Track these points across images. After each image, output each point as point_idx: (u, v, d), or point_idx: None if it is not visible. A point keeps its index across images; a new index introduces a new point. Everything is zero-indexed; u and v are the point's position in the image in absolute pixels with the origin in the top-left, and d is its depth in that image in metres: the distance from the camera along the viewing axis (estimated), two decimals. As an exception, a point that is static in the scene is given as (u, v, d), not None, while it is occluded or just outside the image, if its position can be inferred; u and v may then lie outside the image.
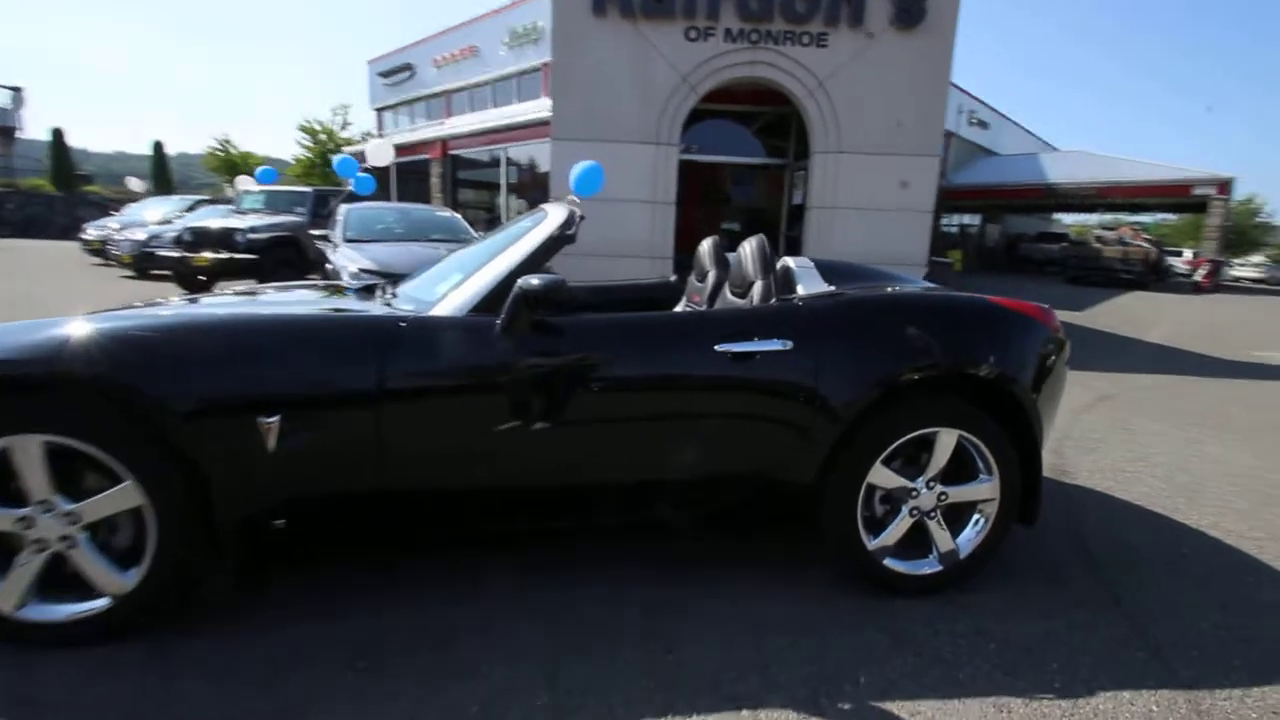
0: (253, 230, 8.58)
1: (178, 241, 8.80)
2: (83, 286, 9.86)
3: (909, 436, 2.13)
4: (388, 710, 1.64)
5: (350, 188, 8.59)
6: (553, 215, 2.22)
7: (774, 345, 2.05)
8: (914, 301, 2.29)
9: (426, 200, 18.13)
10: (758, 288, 2.33)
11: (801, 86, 8.31)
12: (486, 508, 2.09)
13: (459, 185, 19.89)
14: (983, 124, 26.84)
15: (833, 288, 2.33)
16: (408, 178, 20.53)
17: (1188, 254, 25.72)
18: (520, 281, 1.91)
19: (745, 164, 11.04)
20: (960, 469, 2.24)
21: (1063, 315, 2.65)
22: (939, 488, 2.21)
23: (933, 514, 2.22)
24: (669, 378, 2.07)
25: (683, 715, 1.67)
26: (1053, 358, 2.38)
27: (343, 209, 7.45)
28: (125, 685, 1.69)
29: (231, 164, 27.90)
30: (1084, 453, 3.99)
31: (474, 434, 1.95)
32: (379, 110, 26.38)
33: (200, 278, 8.53)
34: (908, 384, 2.11)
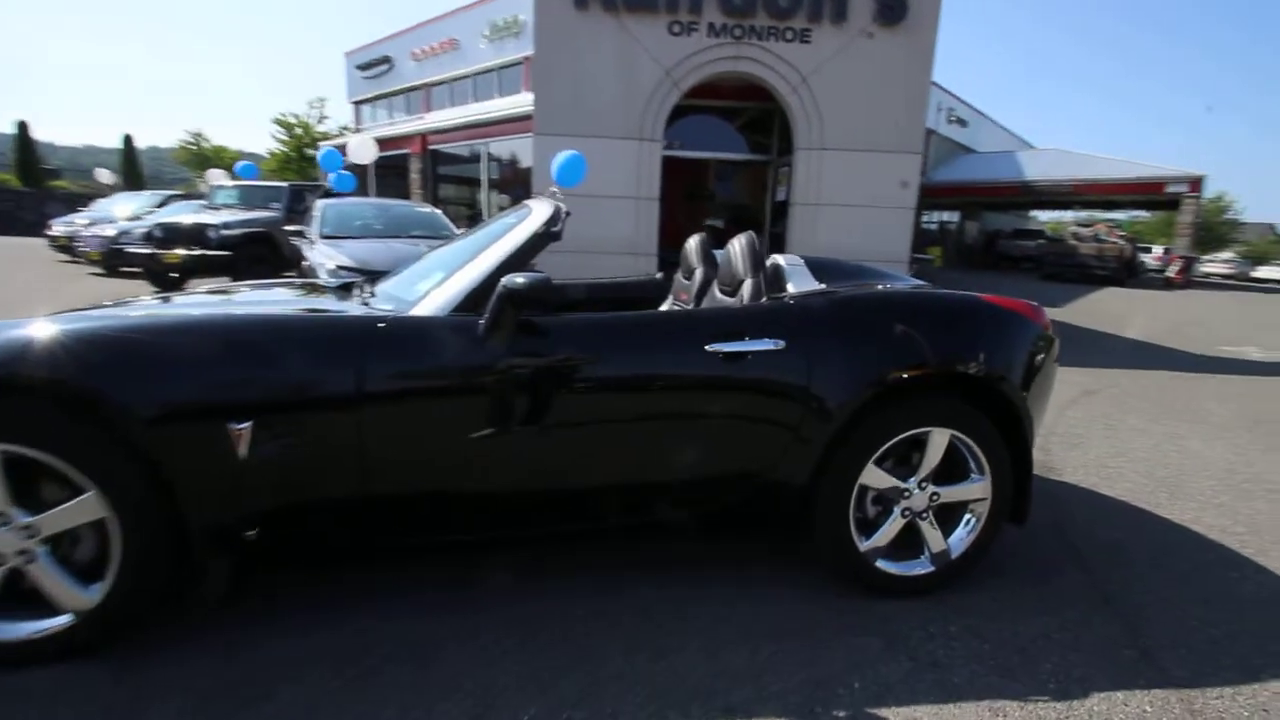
0: (226, 226, 8.38)
1: (148, 238, 8.56)
2: (48, 285, 9.57)
3: (902, 436, 2.10)
4: (370, 727, 1.58)
5: (328, 183, 8.42)
6: (537, 211, 2.15)
7: (766, 345, 2.00)
8: (907, 300, 2.26)
9: (406, 196, 17.88)
10: (748, 286, 2.29)
11: (785, 83, 8.29)
12: (471, 515, 2.02)
13: (439, 181, 19.65)
14: (961, 122, 27.13)
15: (823, 285, 2.30)
16: (387, 173, 20.23)
17: (1157, 250, 26.24)
18: (504, 280, 1.85)
19: (729, 160, 11.01)
20: (952, 469, 2.22)
21: (1045, 312, 2.64)
22: (931, 488, 2.18)
23: (925, 514, 2.20)
24: (659, 379, 2.02)
25: (675, 726, 1.62)
26: (1043, 356, 2.37)
27: (319, 204, 7.29)
28: (89, 710, 1.60)
29: (204, 158, 27.35)
30: (1069, 448, 4.01)
31: (457, 439, 1.88)
32: (356, 104, 25.98)
33: (172, 275, 8.32)
34: (901, 383, 2.07)
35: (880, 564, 2.18)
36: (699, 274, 2.78)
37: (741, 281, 2.33)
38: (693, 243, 2.90)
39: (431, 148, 18.99)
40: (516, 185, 15.96)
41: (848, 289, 2.28)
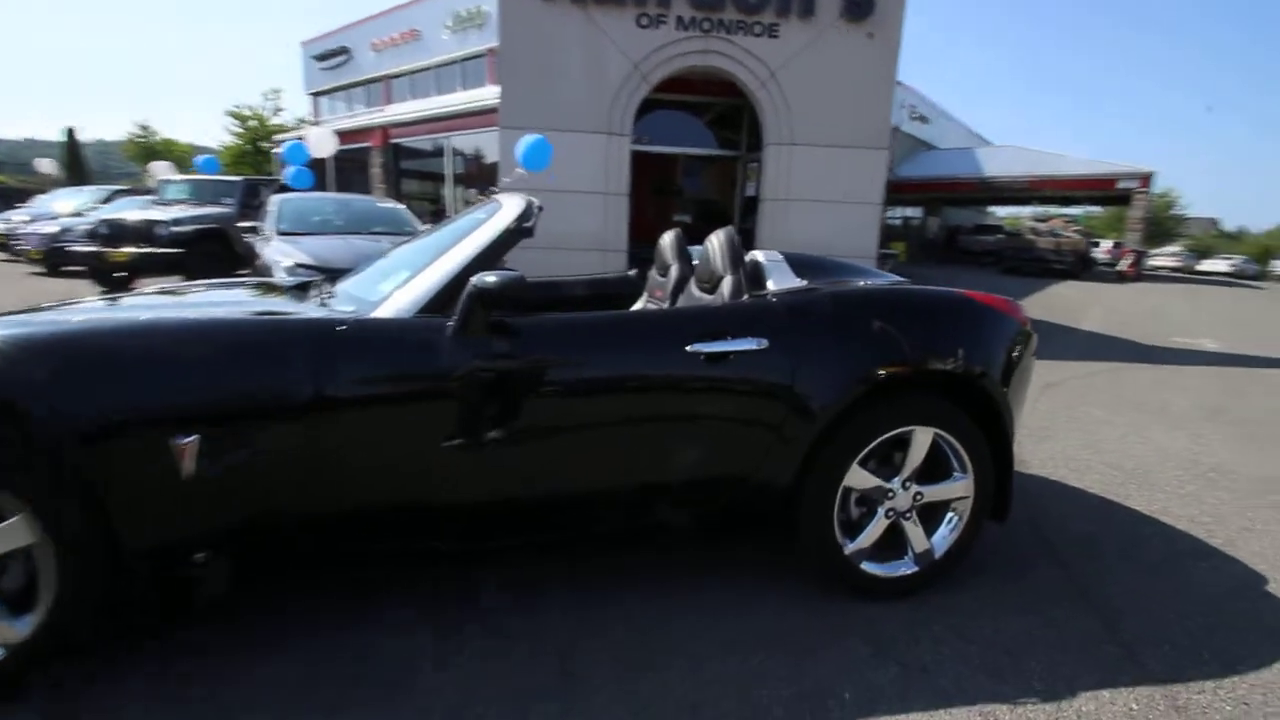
0: (176, 223, 8.01)
1: (92, 235, 8.14)
2: (-16, 284, 9.05)
3: (887, 436, 2.06)
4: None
5: (284, 179, 8.12)
6: (508, 206, 2.05)
7: (749, 344, 1.94)
8: (891, 297, 2.22)
9: (367, 191, 17.44)
10: (727, 283, 2.22)
11: (754, 77, 8.27)
12: (441, 528, 1.92)
13: (402, 175, 19.23)
14: (923, 119, 27.60)
15: (804, 282, 2.24)
16: (347, 167, 19.71)
17: (1106, 244, 27.16)
18: (474, 279, 1.74)
19: (698, 155, 10.98)
20: (934, 467, 2.19)
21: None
22: (915, 487, 2.15)
23: (908, 514, 2.16)
24: (638, 381, 1.93)
25: (662, 746, 1.55)
26: (1021, 351, 2.36)
27: (274, 199, 7.01)
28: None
29: (152, 151, 26.28)
30: (1037, 441, 4.06)
31: (426, 450, 1.77)
32: (314, 95, 25.28)
33: (118, 275, 7.93)
34: (887, 381, 2.03)
35: (865, 566, 2.14)
36: (674, 271, 2.70)
37: (721, 279, 2.25)
38: (668, 239, 2.83)
39: (393, 141, 18.57)
40: (482, 180, 15.70)
41: (831, 286, 2.23)
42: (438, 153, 17.57)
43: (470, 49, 18.40)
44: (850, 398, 2.00)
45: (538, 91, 7.97)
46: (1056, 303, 13.35)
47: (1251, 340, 9.62)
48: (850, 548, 2.12)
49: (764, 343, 1.95)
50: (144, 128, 28.99)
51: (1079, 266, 21.07)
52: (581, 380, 1.88)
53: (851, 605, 2.15)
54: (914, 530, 2.18)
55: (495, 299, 1.72)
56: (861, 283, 2.40)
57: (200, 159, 11.25)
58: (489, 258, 1.91)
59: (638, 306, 2.99)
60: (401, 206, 7.83)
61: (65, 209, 11.43)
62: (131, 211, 8.68)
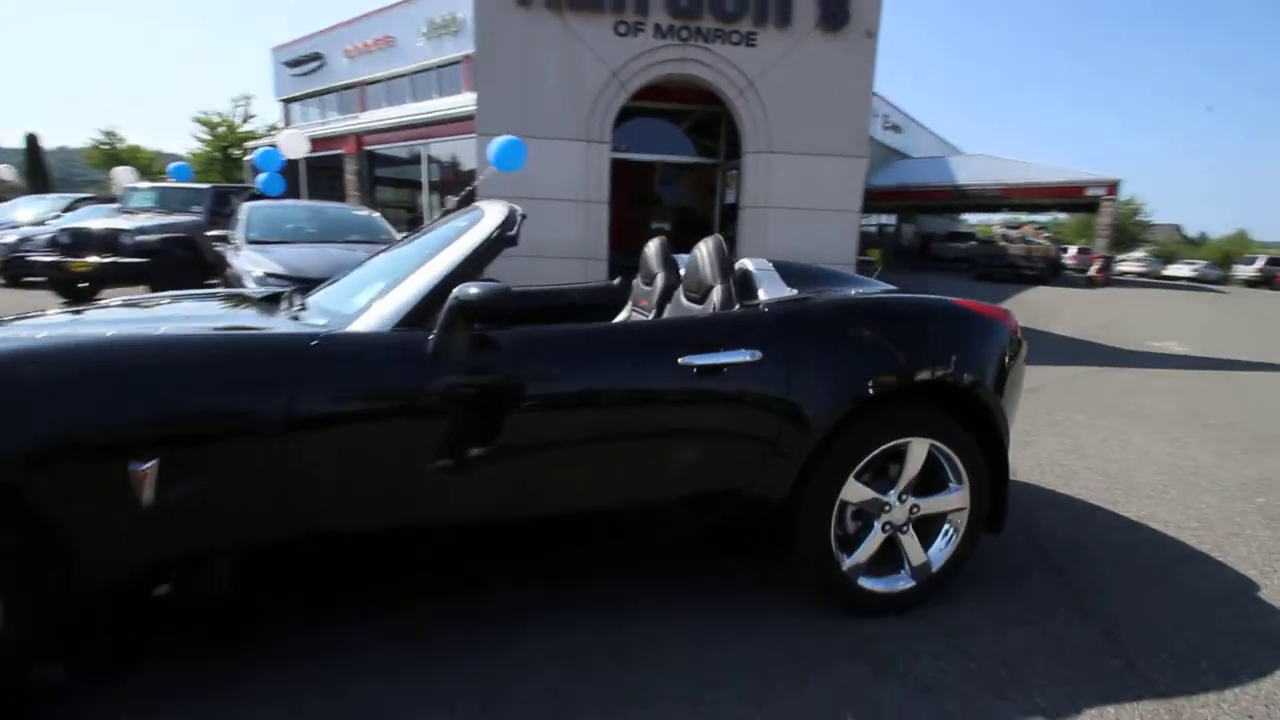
0: (142, 231, 7.77)
1: (53, 244, 7.86)
2: (-63, 296, 8.68)
3: (884, 448, 2.01)
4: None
5: (256, 184, 7.92)
6: (490, 214, 1.96)
7: (742, 356, 1.87)
8: (885, 306, 2.18)
9: (341, 199, 17.16)
10: (717, 292, 2.15)
11: (732, 86, 8.28)
12: (423, 552, 1.82)
13: (377, 183, 18.97)
14: (896, 128, 28.01)
15: (795, 291, 2.19)
16: (320, 175, 19.40)
17: (1072, 250, 27.78)
18: (456, 290, 1.65)
19: (677, 163, 10.96)
20: (929, 479, 2.14)
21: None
22: (911, 500, 2.10)
23: (905, 527, 2.12)
24: (628, 396, 1.86)
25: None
26: (1013, 360, 2.33)
27: (245, 207, 6.82)
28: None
29: (117, 158, 25.62)
30: (1021, 447, 4.05)
31: (404, 472, 1.68)
32: (285, 102, 24.86)
33: (81, 285, 7.66)
34: (883, 393, 1.98)
35: (863, 582, 2.08)
36: (660, 280, 2.63)
37: (710, 288, 2.19)
38: (653, 247, 2.76)
39: (368, 148, 18.32)
40: (459, 187, 15.53)
41: (824, 296, 2.18)
42: (414, 160, 17.36)
43: (446, 56, 18.24)
44: (846, 410, 1.94)
45: (515, 98, 7.89)
46: (1029, 308, 13.55)
47: (1215, 343, 9.84)
48: (847, 563, 2.06)
49: (757, 354, 1.89)
50: (109, 134, 28.26)
51: (1049, 272, 21.48)
52: (569, 397, 1.80)
53: (849, 622, 2.09)
54: (911, 544, 2.13)
55: (478, 311, 1.63)
56: (853, 291, 2.35)
57: (173, 166, 10.93)
58: (471, 268, 1.82)
59: (623, 316, 2.92)
60: (376, 214, 7.68)
61: (26, 217, 11.01)
62: (95, 220, 8.40)
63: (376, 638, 1.92)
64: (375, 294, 1.84)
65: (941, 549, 2.18)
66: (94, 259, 7.52)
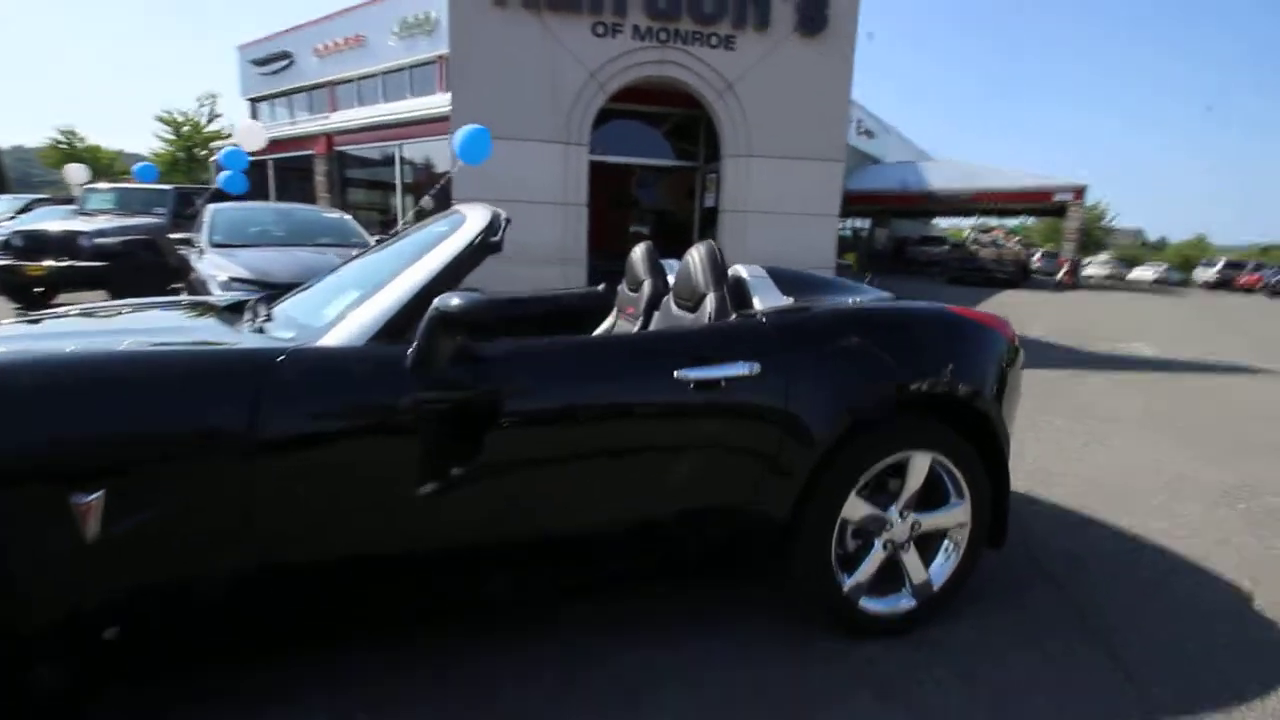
0: (101, 234, 7.44)
1: (6, 247, 7.49)
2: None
3: (886, 462, 1.93)
4: None
5: (216, 184, 7.66)
6: (472, 219, 1.84)
7: (740, 369, 1.78)
8: (886, 316, 2.10)
9: (312, 201, 16.77)
10: (710, 301, 2.06)
11: (711, 89, 8.23)
12: (401, 583, 1.69)
13: (348, 184, 18.58)
14: (869, 133, 28.32)
15: (791, 300, 2.11)
16: (289, 176, 18.94)
17: (1038, 253, 28.40)
18: (437, 301, 1.53)
19: (655, 166, 10.89)
20: (930, 494, 2.07)
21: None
22: (912, 516, 2.03)
23: (906, 545, 2.04)
24: (621, 412, 1.75)
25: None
26: (1011, 369, 2.28)
27: (209, 209, 6.57)
28: None
29: (76, 159, 24.76)
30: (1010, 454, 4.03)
31: (380, 497, 1.55)
32: (252, 101, 24.28)
33: (37, 289, 7.31)
34: (887, 405, 1.90)
35: (864, 603, 2.00)
36: (647, 286, 2.53)
37: (703, 296, 2.09)
38: (639, 252, 2.66)
39: (338, 149, 17.93)
40: (433, 189, 15.28)
41: (821, 305, 2.09)
42: (386, 161, 17.03)
43: (419, 56, 17.96)
44: (847, 424, 1.86)
45: (491, 99, 7.74)
46: (1003, 311, 13.67)
47: (1180, 345, 10.05)
48: (849, 584, 1.98)
49: (756, 366, 1.80)
50: (66, 133, 27.31)
51: (1019, 275, 21.88)
52: (559, 413, 1.69)
53: (849, 645, 2.01)
54: (912, 561, 2.06)
55: (460, 323, 1.52)
56: (851, 300, 2.27)
57: (138, 167, 10.54)
58: (452, 276, 1.70)
59: (608, 323, 2.81)
60: (347, 216, 7.46)
61: (-25, 219, 10.56)
62: (52, 221, 8.04)
63: (358, 663, 1.79)
64: (348, 304, 1.71)
65: (942, 566, 2.11)
66: (50, 263, 7.18)
